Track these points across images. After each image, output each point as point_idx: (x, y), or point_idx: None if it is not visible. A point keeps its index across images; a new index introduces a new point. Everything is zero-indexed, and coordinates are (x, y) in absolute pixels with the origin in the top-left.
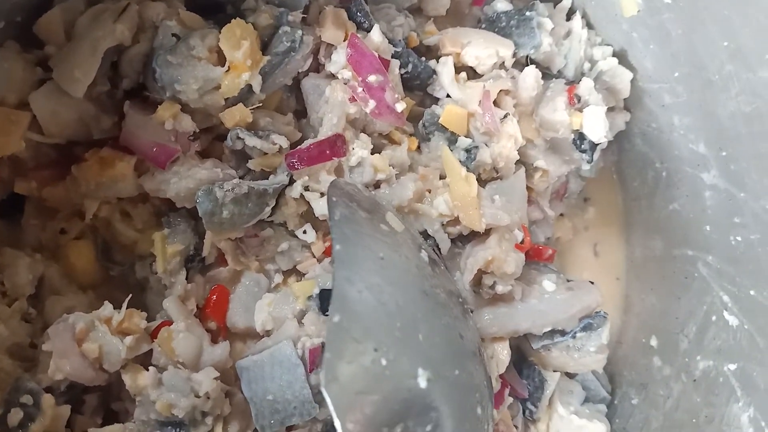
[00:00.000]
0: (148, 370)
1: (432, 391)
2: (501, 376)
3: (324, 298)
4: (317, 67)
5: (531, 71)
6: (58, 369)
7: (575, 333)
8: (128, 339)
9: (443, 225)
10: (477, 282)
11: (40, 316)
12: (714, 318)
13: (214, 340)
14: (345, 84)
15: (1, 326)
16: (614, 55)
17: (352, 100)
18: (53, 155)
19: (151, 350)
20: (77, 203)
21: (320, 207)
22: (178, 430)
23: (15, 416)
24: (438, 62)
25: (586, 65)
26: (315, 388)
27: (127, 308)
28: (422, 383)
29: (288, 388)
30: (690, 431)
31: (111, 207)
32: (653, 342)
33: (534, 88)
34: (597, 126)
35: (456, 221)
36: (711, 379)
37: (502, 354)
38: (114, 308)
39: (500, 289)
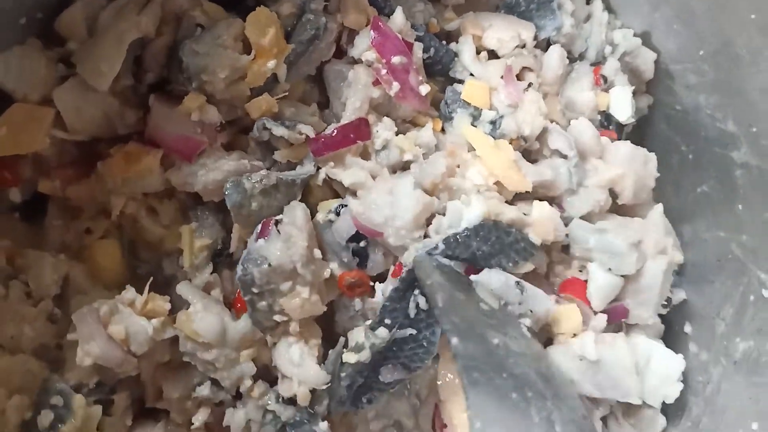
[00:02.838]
0: None
1: None
2: None
3: None
4: (339, 55)
5: (556, 49)
6: (86, 354)
7: None
8: (154, 321)
9: (479, 192)
10: None
11: (66, 317)
12: (752, 298)
13: None
14: (369, 66)
15: (27, 327)
16: (636, 37)
17: (376, 83)
18: (76, 153)
19: None
20: (102, 201)
21: (348, 177)
22: None
23: (45, 418)
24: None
25: (608, 49)
26: None
27: None
28: None
29: None
30: (734, 414)
31: (137, 203)
32: (687, 329)
33: (559, 67)
34: (624, 105)
35: (498, 185)
36: (753, 360)
37: None
38: None
39: None
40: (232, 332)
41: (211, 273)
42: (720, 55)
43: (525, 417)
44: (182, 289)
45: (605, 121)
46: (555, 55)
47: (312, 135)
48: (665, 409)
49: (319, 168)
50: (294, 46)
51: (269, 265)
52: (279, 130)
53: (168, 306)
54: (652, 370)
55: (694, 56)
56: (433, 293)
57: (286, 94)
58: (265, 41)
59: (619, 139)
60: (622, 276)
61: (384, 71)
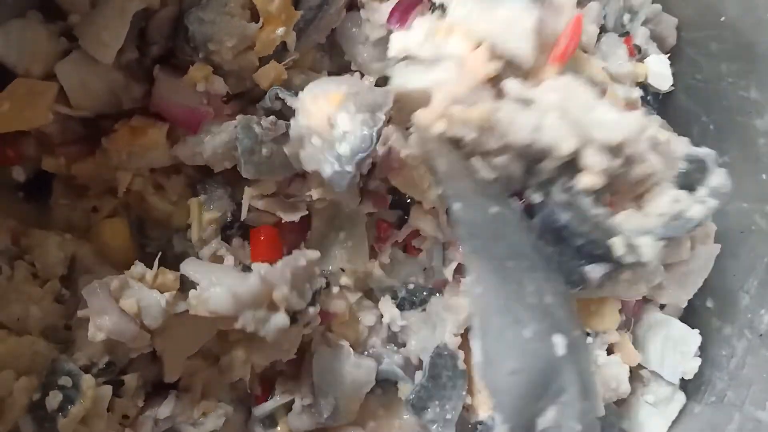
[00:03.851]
0: None
1: (567, 359)
2: None
3: None
4: None
5: (595, 6)
6: (98, 329)
7: None
8: (166, 294)
9: None
10: None
11: (74, 297)
12: None
13: None
14: None
15: (34, 308)
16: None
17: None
18: (80, 131)
19: None
20: (108, 179)
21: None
22: None
23: (54, 399)
24: None
25: (626, 16)
26: None
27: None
28: (560, 350)
29: None
30: (761, 387)
31: (143, 180)
32: (709, 303)
33: (597, 25)
34: (664, 73)
35: None
36: None
37: None
38: None
39: None
40: (244, 295)
41: (222, 245)
42: (742, 19)
43: (519, 285)
44: (185, 268)
45: (643, 92)
46: (593, 11)
47: None
48: (688, 384)
49: None
50: (303, 13)
51: None
52: (293, 101)
53: (179, 284)
54: (671, 346)
55: (715, 22)
56: (434, 158)
57: (295, 59)
58: (273, 8)
59: (659, 111)
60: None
61: None
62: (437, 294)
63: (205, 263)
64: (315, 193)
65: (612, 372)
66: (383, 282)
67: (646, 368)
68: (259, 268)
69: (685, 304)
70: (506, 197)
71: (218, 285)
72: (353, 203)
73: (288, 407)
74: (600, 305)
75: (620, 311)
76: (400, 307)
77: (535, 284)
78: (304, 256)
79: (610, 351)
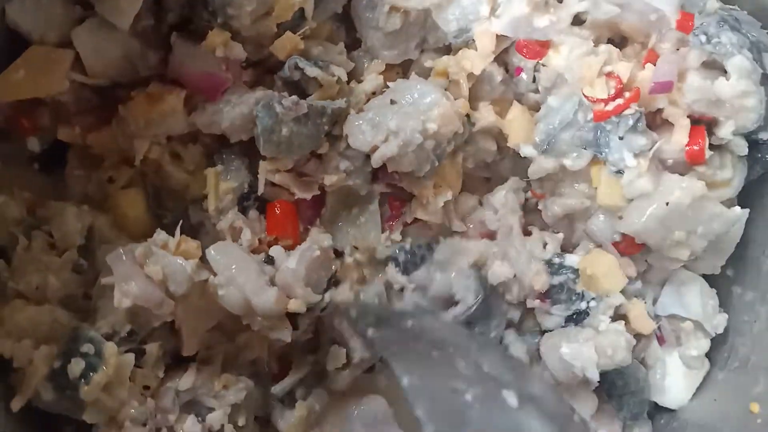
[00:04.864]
0: None
1: (524, 409)
2: None
3: None
4: None
5: None
6: (124, 295)
7: None
8: (190, 262)
9: None
10: None
11: (92, 267)
12: None
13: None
14: None
15: (52, 277)
16: None
17: None
18: (96, 100)
19: None
20: (124, 149)
21: None
22: None
23: (76, 367)
24: None
25: None
26: None
27: None
28: (513, 403)
29: None
30: None
31: (161, 149)
32: (729, 272)
33: None
34: None
35: None
36: None
37: None
38: None
39: None
40: (259, 306)
41: (239, 217)
42: None
43: (449, 366)
44: (210, 254)
45: None
46: None
47: (344, 77)
48: (710, 351)
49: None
50: None
51: None
52: (312, 71)
53: (200, 253)
54: (705, 301)
55: None
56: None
57: (312, 28)
58: None
59: None
60: None
61: None
62: (442, 239)
63: (229, 248)
64: (328, 179)
65: (609, 340)
66: (383, 252)
67: (689, 319)
68: (279, 276)
69: (719, 271)
70: (424, 315)
71: (235, 286)
72: (365, 189)
73: (307, 387)
74: (601, 266)
75: (636, 278)
76: (405, 271)
77: (469, 359)
78: (317, 243)
79: (621, 317)
